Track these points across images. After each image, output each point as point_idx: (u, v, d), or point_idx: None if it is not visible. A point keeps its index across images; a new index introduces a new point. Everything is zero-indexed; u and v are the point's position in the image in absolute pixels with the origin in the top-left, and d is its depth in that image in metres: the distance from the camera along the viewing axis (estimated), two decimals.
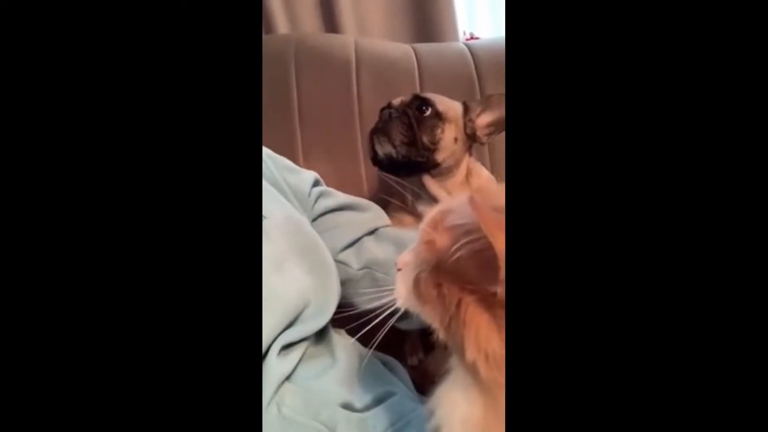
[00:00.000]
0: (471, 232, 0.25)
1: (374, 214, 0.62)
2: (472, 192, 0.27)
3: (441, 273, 0.28)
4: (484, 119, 0.63)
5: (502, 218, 0.24)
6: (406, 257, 0.33)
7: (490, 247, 0.24)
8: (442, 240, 0.28)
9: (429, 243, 0.29)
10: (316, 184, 0.61)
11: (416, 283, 0.30)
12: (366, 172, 0.86)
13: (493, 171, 0.74)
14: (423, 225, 0.31)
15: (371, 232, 0.59)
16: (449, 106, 0.62)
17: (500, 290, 0.24)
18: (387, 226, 0.61)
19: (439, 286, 0.28)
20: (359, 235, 0.58)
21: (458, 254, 0.26)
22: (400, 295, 0.32)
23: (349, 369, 0.48)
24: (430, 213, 0.31)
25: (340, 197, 0.61)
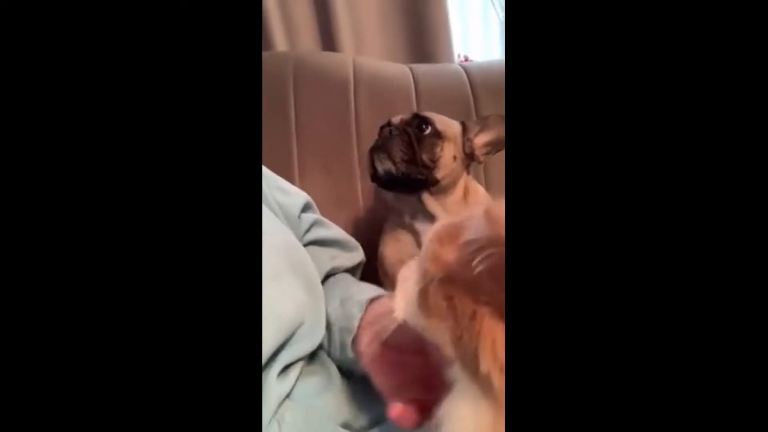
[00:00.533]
0: (487, 247, 0.25)
1: (355, 254, 0.62)
2: (484, 207, 0.27)
3: (453, 285, 0.28)
4: (482, 139, 0.65)
5: None
6: (407, 272, 0.33)
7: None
8: (451, 255, 0.28)
9: (435, 259, 0.29)
10: (306, 208, 0.61)
11: (422, 294, 0.29)
12: (362, 188, 0.86)
13: (488, 189, 0.75)
14: (428, 241, 0.30)
15: (329, 276, 0.58)
16: (448, 125, 0.63)
17: None
18: (345, 268, 0.60)
19: (450, 298, 0.27)
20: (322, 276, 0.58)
21: (479, 269, 0.26)
22: (399, 307, 0.32)
23: (347, 388, 0.48)
24: (434, 228, 0.30)
25: (332, 231, 0.61)
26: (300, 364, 0.45)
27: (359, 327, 0.45)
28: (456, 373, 0.28)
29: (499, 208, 0.25)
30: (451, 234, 0.29)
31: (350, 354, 0.45)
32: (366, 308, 0.47)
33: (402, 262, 0.65)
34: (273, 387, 0.41)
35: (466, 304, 0.26)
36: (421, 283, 0.30)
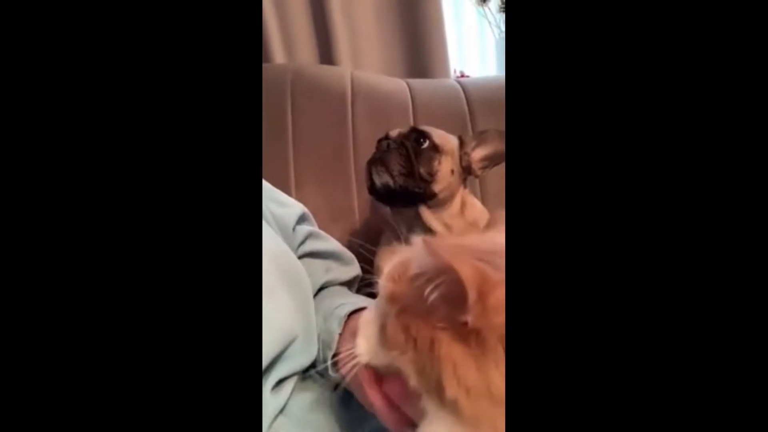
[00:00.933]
0: (434, 277, 0.25)
1: (351, 268, 0.62)
2: (420, 239, 0.27)
3: (408, 316, 0.28)
4: (478, 153, 0.65)
5: (460, 249, 0.25)
6: (367, 316, 0.33)
7: (457, 281, 0.24)
8: (403, 289, 0.28)
9: (390, 297, 0.29)
10: (301, 219, 0.61)
11: (382, 331, 0.30)
12: (358, 202, 0.86)
13: (483, 203, 0.75)
14: (382, 281, 0.31)
15: (321, 289, 0.58)
16: (446, 139, 0.64)
17: (470, 318, 0.24)
18: (340, 281, 0.60)
19: (407, 328, 0.28)
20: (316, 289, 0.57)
21: (432, 297, 0.26)
22: (361, 349, 0.32)
23: (340, 402, 0.47)
24: (386, 268, 0.31)
25: (329, 243, 0.61)
26: (293, 379, 0.45)
27: (339, 342, 0.45)
28: (426, 402, 0.28)
29: (434, 240, 0.26)
30: (401, 272, 0.29)
31: (332, 373, 0.45)
32: (345, 323, 0.46)
33: None
34: (267, 401, 0.41)
35: (424, 333, 0.27)
36: (379, 321, 0.30)
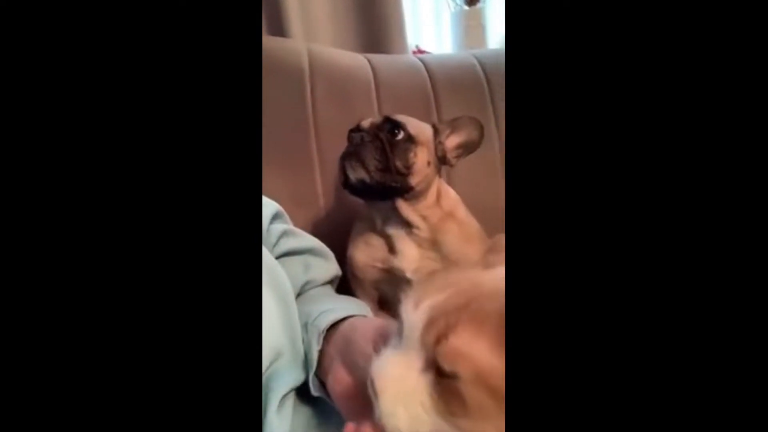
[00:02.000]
0: None
1: (331, 264, 0.60)
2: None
3: (500, 381, 0.23)
4: (453, 141, 0.64)
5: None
6: (390, 370, 0.26)
7: None
8: (485, 350, 0.24)
9: (457, 356, 0.24)
10: (275, 217, 0.58)
11: (447, 395, 0.24)
12: (322, 186, 0.83)
13: (451, 186, 0.75)
14: (420, 333, 0.25)
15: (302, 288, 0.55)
16: (420, 129, 0.62)
17: None
18: (322, 281, 0.58)
19: (500, 398, 0.22)
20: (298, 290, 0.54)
21: None
22: (402, 422, 0.25)
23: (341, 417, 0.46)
24: (424, 317, 0.25)
25: (305, 240, 0.59)
26: (292, 396, 0.43)
27: (320, 359, 0.42)
28: None
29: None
30: (461, 320, 0.24)
31: (315, 392, 0.42)
32: (325, 337, 0.43)
33: (374, 267, 0.64)
34: (273, 422, 0.39)
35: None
36: (430, 384, 0.25)
